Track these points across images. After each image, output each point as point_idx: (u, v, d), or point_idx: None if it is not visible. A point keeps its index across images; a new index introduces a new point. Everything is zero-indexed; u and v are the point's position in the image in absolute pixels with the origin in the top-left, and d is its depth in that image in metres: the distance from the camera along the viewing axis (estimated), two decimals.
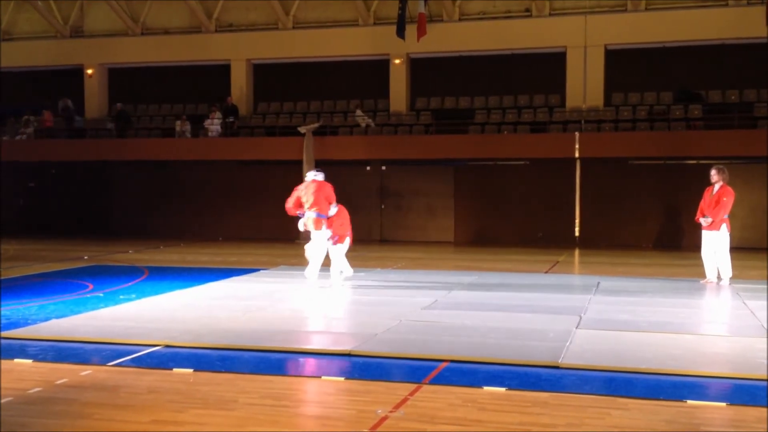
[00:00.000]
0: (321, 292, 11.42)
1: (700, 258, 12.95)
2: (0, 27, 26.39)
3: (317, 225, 11.69)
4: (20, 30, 26.50)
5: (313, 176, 12.20)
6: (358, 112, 22.69)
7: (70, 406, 5.85)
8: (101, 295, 11.38)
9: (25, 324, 8.98)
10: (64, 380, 6.59)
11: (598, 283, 12.70)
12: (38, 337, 8.26)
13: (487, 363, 7.16)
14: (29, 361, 7.25)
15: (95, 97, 25.67)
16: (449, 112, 23.04)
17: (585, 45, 21.77)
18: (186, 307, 10.18)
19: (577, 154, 20.41)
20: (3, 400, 5.95)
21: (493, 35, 22.52)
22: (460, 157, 21.40)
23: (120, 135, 24.23)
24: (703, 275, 12.84)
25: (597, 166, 20.74)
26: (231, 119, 23.29)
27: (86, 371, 6.91)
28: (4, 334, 8.38)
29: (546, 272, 14.75)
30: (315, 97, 24.22)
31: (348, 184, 21.91)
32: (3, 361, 7.23)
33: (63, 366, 7.09)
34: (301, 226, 12.15)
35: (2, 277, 13.45)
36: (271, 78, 24.75)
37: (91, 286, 12.29)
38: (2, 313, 9.73)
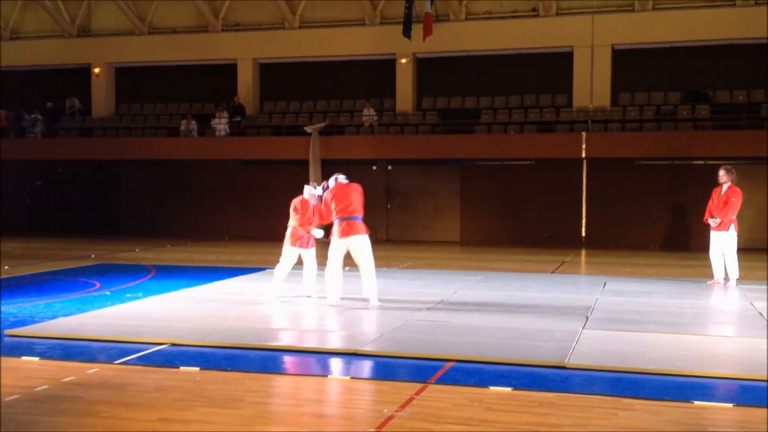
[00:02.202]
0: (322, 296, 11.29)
1: (707, 259, 12.93)
2: (1, 26, 26.46)
3: (366, 229, 10.09)
4: (28, 29, 26.58)
5: (343, 179, 10.46)
6: (365, 111, 22.72)
7: (77, 404, 5.86)
8: (108, 293, 11.41)
9: (32, 322, 9.01)
10: (71, 378, 6.61)
11: (605, 283, 12.67)
12: (45, 335, 8.28)
13: (493, 363, 7.15)
14: (36, 359, 7.27)
15: (102, 96, 25.74)
16: (455, 111, 23.04)
17: (592, 45, 21.74)
18: (192, 305, 10.20)
19: (583, 154, 20.39)
20: (10, 398, 5.97)
21: (499, 35, 22.51)
22: (467, 157, 21.39)
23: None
24: (710, 276, 12.82)
25: (604, 166, 20.69)
26: (238, 119, 23.34)
27: (93, 369, 6.92)
28: (12, 331, 8.40)
29: (552, 272, 14.72)
30: (321, 96, 24.24)
31: None
32: (10, 359, 7.25)
33: (70, 364, 7.10)
34: (318, 234, 10.74)
35: (10, 275, 13.49)
36: (278, 77, 24.77)
37: (98, 285, 12.31)
38: (10, 311, 9.77)
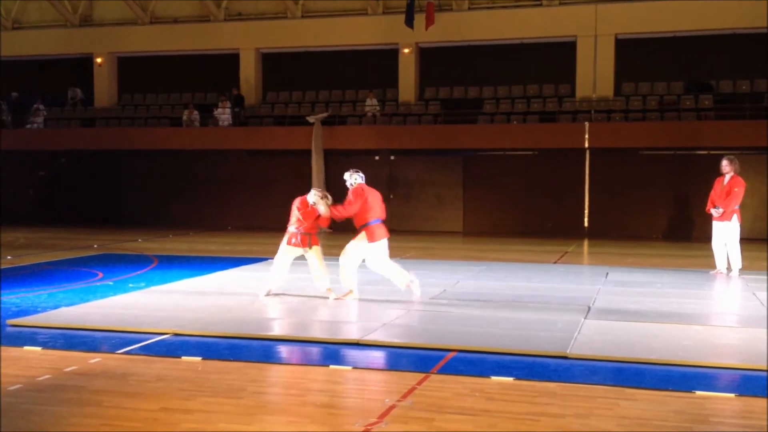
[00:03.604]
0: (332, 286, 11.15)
1: (710, 249, 12.92)
2: (3, 15, 26.43)
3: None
4: (30, 19, 26.54)
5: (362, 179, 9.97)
6: (368, 101, 22.69)
7: (80, 394, 5.87)
8: (111, 283, 11.42)
9: (35, 312, 9.02)
10: (74, 368, 6.62)
11: (607, 273, 12.67)
12: (48, 325, 8.29)
13: (495, 353, 7.15)
14: (39, 349, 7.28)
15: (105, 86, 25.73)
16: (458, 101, 22.99)
17: (595, 34, 21.67)
18: (195, 295, 10.21)
19: (586, 144, 20.35)
20: (12, 388, 5.98)
21: (502, 25, 22.44)
22: (469, 147, 21.36)
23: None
24: (713, 266, 12.80)
25: (606, 156, 20.66)
26: (237, 109, 23.32)
27: (95, 359, 6.93)
28: (15, 321, 8.42)
29: (555, 263, 14.72)
30: (324, 86, 24.21)
31: None
32: (13, 349, 7.27)
33: (72, 354, 7.11)
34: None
35: (13, 265, 13.52)
36: (280, 67, 24.73)
37: (100, 275, 12.33)
38: (13, 300, 9.79)
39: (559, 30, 22.01)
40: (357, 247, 9.85)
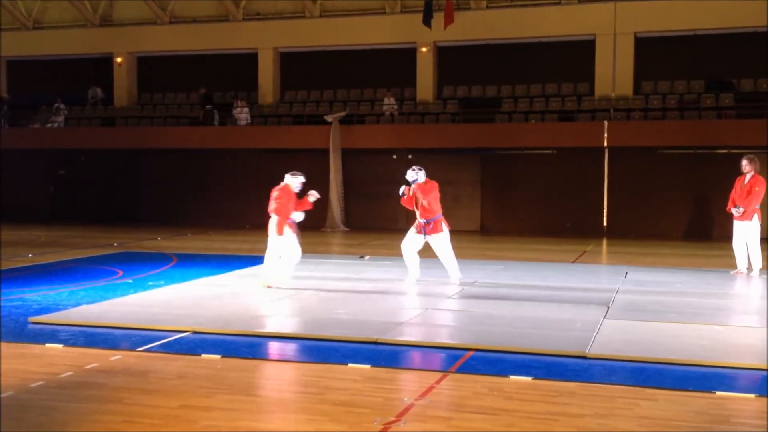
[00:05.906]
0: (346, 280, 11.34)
1: (730, 248, 12.82)
2: (24, 15, 26.66)
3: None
4: (50, 19, 26.76)
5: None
6: (386, 100, 22.69)
7: (100, 391, 5.92)
8: (130, 281, 11.50)
9: (56, 309, 9.10)
10: (95, 365, 6.67)
11: (626, 273, 12.60)
12: (69, 323, 8.36)
13: (513, 352, 7.14)
14: (60, 346, 7.35)
15: (124, 86, 25.90)
16: (476, 100, 22.95)
17: (614, 33, 21.56)
18: (214, 293, 10.26)
19: (605, 143, 20.24)
20: (35, 385, 6.04)
21: (521, 23, 22.37)
22: (487, 145, 21.29)
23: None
24: (733, 266, 12.71)
25: (626, 155, 20.54)
26: (209, 107, 23.41)
27: (116, 356, 6.99)
28: (36, 319, 8.50)
29: (573, 262, 14.66)
30: (342, 85, 24.24)
31: (374, 173, 21.96)
32: (35, 346, 7.35)
33: (93, 351, 7.17)
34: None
35: (34, 263, 13.64)
36: (298, 66, 24.79)
37: (120, 273, 12.41)
38: (34, 298, 9.89)
39: (578, 28, 21.92)
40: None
